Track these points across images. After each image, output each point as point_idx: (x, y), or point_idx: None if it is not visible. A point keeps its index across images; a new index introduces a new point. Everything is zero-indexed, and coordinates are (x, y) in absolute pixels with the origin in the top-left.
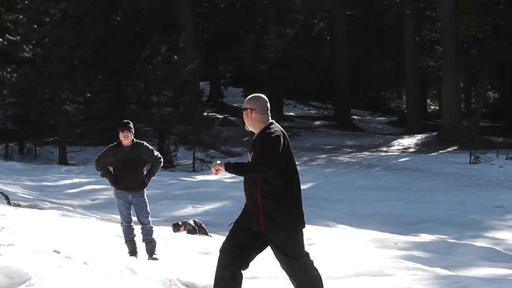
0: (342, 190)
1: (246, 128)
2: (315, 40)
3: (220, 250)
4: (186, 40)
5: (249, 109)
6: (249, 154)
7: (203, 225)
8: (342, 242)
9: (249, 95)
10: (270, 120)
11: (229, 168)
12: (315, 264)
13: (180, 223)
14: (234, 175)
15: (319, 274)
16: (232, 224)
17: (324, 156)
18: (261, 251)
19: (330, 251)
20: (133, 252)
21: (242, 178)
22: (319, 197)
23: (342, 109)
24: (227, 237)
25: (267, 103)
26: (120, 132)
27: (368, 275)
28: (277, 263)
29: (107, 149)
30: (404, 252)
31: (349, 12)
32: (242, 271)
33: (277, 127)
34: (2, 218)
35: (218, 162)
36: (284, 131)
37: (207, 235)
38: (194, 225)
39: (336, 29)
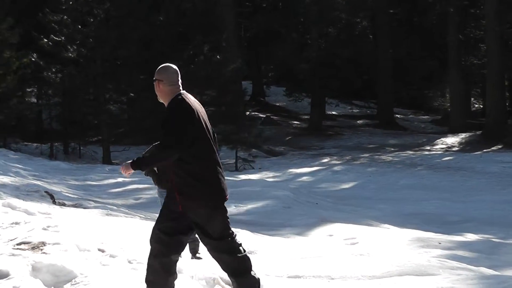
0: (385, 189)
1: (159, 100)
2: (358, 39)
3: (150, 239)
4: (229, 40)
5: (157, 81)
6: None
7: None
8: (385, 242)
9: (290, 93)
10: (179, 91)
11: (136, 165)
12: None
13: None
14: (275, 176)
15: (246, 255)
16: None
17: (366, 155)
18: (190, 234)
19: (373, 251)
20: None
21: (283, 176)
22: (362, 196)
23: (385, 108)
24: (154, 224)
25: (176, 74)
26: None
27: (411, 274)
28: (321, 261)
29: (151, 148)
30: (448, 252)
31: (392, 11)
32: (175, 259)
33: (183, 98)
34: (48, 217)
35: (123, 164)
36: (195, 100)
37: None
38: None
39: (379, 27)
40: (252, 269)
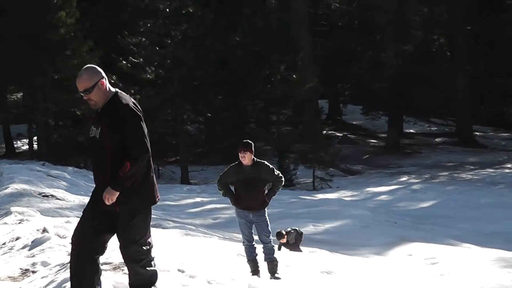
0: (465, 207)
1: (94, 107)
2: (435, 56)
3: (71, 239)
4: (304, 59)
5: (101, 80)
6: (93, 128)
7: (302, 236)
8: (467, 261)
9: (367, 112)
10: (113, 90)
11: (117, 186)
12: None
13: (284, 232)
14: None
15: (155, 273)
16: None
17: (445, 173)
18: (112, 234)
19: (454, 271)
20: (255, 271)
21: (361, 195)
22: (441, 215)
23: (464, 125)
24: (77, 225)
25: None
26: (240, 152)
27: None
28: (401, 281)
29: (228, 168)
30: None
31: (468, 27)
32: (97, 258)
33: (125, 94)
34: None
35: (105, 192)
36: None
37: (299, 249)
38: (295, 234)
39: (456, 44)
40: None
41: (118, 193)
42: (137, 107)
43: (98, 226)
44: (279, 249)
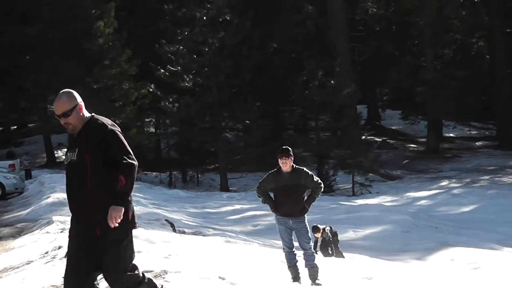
0: (507, 211)
1: (72, 132)
2: (474, 59)
3: (63, 279)
4: (342, 64)
5: (79, 104)
6: (69, 154)
7: (337, 236)
8: (509, 266)
9: (406, 116)
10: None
11: (120, 203)
12: None
13: (320, 227)
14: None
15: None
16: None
17: (486, 177)
18: (100, 271)
19: (497, 276)
20: (296, 277)
21: (401, 200)
22: (483, 219)
23: (504, 129)
24: (66, 264)
25: None
26: (279, 159)
27: None
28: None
29: (267, 175)
30: None
31: (508, 30)
32: None
33: (101, 116)
34: (169, 245)
35: (111, 210)
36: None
37: (337, 245)
38: (329, 233)
39: (496, 47)
40: None
41: (123, 209)
42: (116, 126)
43: (85, 265)
44: (315, 251)
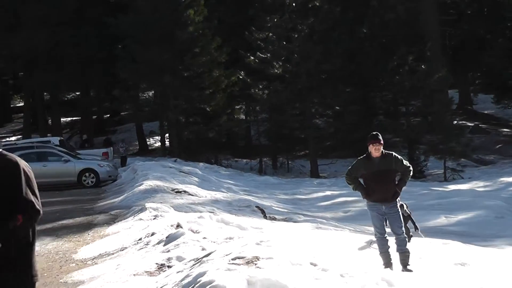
0: None
1: None
2: None
3: None
4: (433, 49)
5: None
6: None
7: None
8: None
9: (499, 100)
10: None
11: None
12: None
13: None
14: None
15: None
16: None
17: None
18: None
19: None
20: (387, 263)
21: (494, 186)
22: None
23: None
24: None
25: None
26: (370, 145)
27: None
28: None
29: (357, 162)
30: None
31: None
32: None
33: (12, 154)
34: (260, 231)
35: None
36: None
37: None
38: (407, 210)
39: None
40: None
41: None
42: (28, 166)
43: None
44: (409, 240)
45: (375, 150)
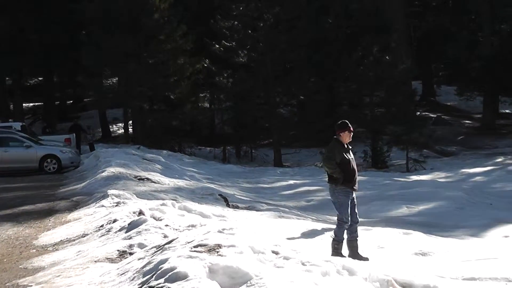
0: None
1: None
2: None
3: None
4: (398, 40)
5: None
6: None
7: None
8: None
9: (462, 92)
10: None
11: None
12: None
13: None
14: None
15: None
16: None
17: None
18: None
19: None
20: (340, 252)
21: (456, 177)
22: None
23: None
24: None
25: None
26: (346, 131)
27: None
28: (497, 263)
29: (336, 148)
30: None
31: None
32: None
33: None
34: (222, 219)
35: None
36: None
37: None
38: None
39: None
40: None
41: None
42: None
43: None
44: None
45: (349, 138)
